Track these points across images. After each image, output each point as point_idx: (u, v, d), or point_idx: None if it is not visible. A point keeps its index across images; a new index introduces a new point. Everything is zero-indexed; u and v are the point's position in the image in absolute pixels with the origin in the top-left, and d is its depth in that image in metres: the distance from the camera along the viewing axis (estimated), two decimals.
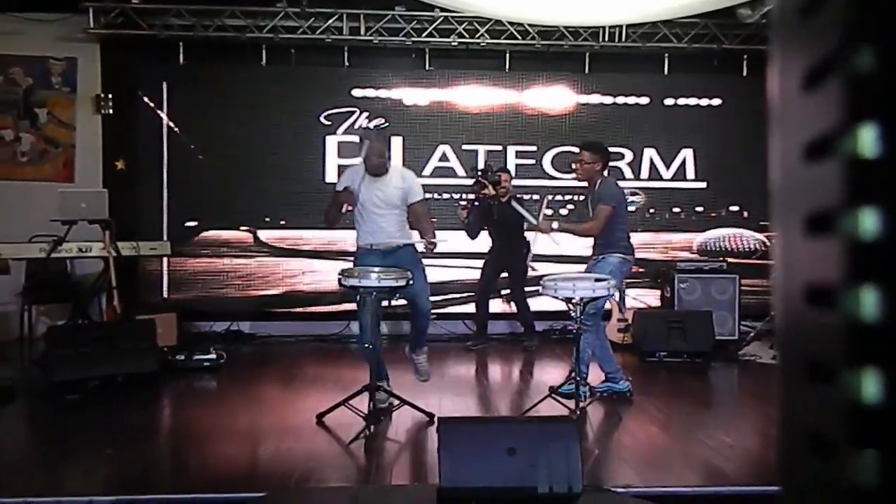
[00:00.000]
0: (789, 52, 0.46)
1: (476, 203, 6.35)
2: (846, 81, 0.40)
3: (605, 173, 5.00)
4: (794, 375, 0.47)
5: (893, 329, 0.40)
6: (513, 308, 7.12)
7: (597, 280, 4.51)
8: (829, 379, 0.43)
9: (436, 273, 7.18)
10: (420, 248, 4.57)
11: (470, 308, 7.25)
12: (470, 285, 7.35)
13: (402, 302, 4.62)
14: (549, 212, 4.79)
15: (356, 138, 4.76)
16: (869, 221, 0.39)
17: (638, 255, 7.60)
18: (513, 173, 6.96)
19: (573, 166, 5.14)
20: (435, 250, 4.56)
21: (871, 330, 0.40)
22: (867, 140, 0.39)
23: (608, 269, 4.79)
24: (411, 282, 4.31)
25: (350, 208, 4.56)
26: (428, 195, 7.29)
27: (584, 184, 5.05)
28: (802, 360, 0.46)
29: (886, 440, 0.40)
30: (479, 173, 6.49)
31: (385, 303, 4.40)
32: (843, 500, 0.42)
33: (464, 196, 7.10)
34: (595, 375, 4.94)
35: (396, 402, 4.50)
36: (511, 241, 6.58)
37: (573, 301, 4.40)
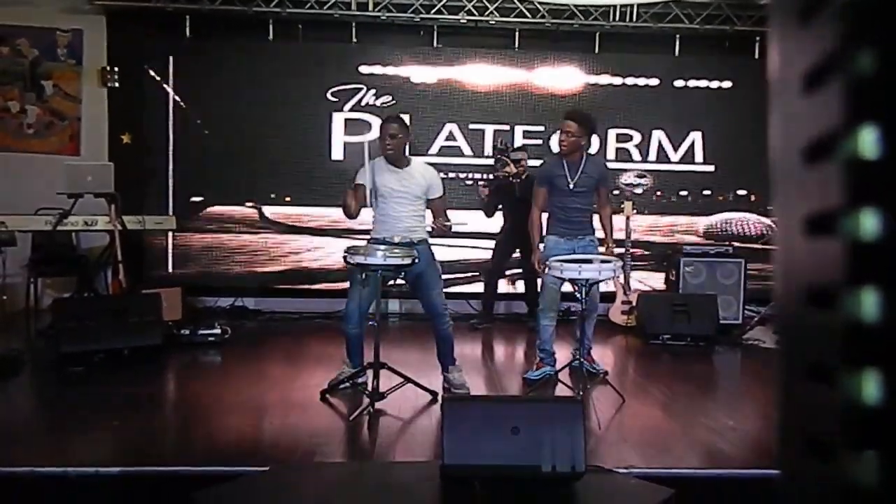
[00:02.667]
0: (789, 54, 0.46)
1: (497, 181, 6.40)
2: (846, 83, 0.39)
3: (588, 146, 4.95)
4: (794, 376, 0.47)
5: (893, 330, 0.40)
6: (517, 288, 7.13)
7: (603, 262, 4.50)
8: (828, 380, 0.43)
9: (440, 252, 7.19)
10: (429, 227, 4.61)
11: (474, 288, 7.28)
12: (474, 265, 7.36)
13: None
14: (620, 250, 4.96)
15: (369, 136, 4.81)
16: (869, 223, 0.39)
17: (644, 237, 7.65)
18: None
19: (559, 137, 4.98)
20: (448, 232, 4.65)
21: (872, 331, 0.40)
22: (868, 141, 0.39)
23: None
24: (417, 260, 4.33)
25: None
26: None
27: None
28: (802, 361, 0.46)
29: (886, 441, 0.41)
30: (501, 151, 6.52)
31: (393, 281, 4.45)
32: (842, 502, 0.42)
33: (484, 176, 7.10)
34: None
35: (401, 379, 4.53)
36: (525, 217, 6.59)
37: (578, 283, 4.39)
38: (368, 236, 4.73)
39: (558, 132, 4.95)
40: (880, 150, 0.39)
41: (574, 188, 4.83)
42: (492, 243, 6.98)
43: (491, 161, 6.93)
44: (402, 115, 4.88)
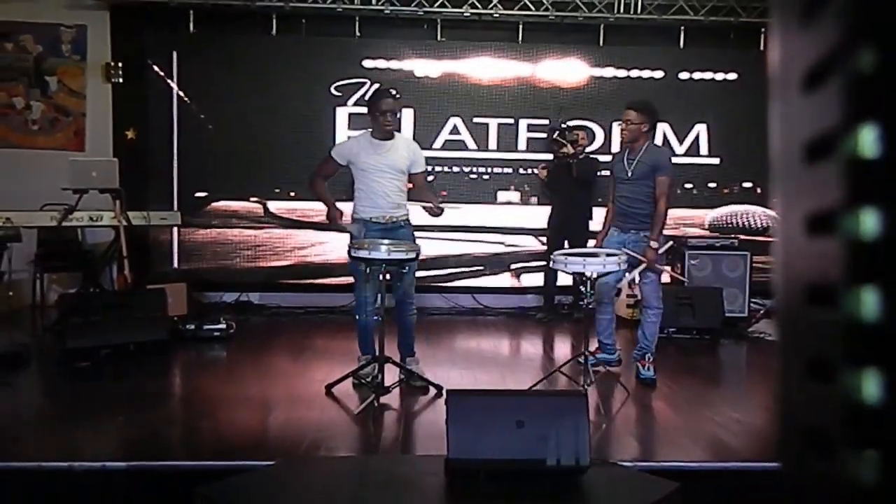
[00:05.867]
0: (790, 52, 0.45)
1: (554, 161, 6.44)
2: (847, 81, 0.39)
3: (652, 137, 4.89)
4: (794, 374, 0.47)
5: (894, 329, 0.40)
6: (521, 282, 7.12)
7: (608, 255, 4.48)
8: (829, 378, 0.43)
9: (441, 246, 7.21)
10: (425, 209, 4.58)
11: (479, 282, 7.29)
12: (480, 259, 7.37)
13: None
14: (655, 245, 4.70)
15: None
16: (869, 222, 0.39)
17: None
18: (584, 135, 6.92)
19: (619, 126, 4.99)
20: (440, 215, 4.59)
21: (872, 330, 0.40)
22: (868, 140, 0.39)
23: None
24: (419, 254, 4.34)
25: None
26: (438, 168, 7.35)
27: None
28: (802, 359, 0.46)
29: (886, 441, 0.40)
30: (557, 132, 6.54)
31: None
32: (842, 500, 0.42)
33: (536, 169, 7.09)
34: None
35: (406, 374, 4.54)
36: (580, 204, 6.54)
37: (584, 277, 4.38)
38: (354, 214, 4.64)
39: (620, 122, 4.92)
40: (880, 149, 0.39)
41: (630, 176, 4.70)
42: (496, 237, 6.98)
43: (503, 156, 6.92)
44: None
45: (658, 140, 7.45)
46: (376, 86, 7.03)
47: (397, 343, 4.70)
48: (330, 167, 4.62)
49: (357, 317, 4.65)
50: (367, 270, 4.33)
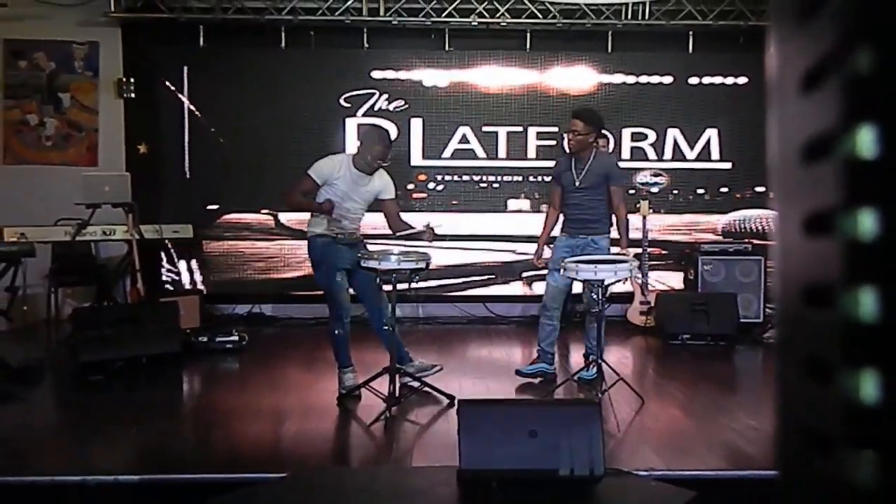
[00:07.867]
0: (788, 53, 0.45)
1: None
2: (845, 82, 0.38)
3: (599, 144, 5.00)
4: (793, 374, 0.46)
5: (891, 329, 0.39)
6: (533, 290, 7.09)
7: (619, 262, 4.47)
8: (827, 378, 0.42)
9: (452, 255, 7.20)
10: (420, 229, 4.65)
11: (488, 291, 7.28)
12: (492, 267, 7.36)
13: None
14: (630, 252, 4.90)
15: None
16: (867, 222, 0.38)
17: (661, 237, 7.59)
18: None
19: (566, 136, 5.06)
20: (435, 232, 4.64)
21: (870, 330, 0.39)
22: (865, 141, 0.38)
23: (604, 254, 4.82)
24: (429, 264, 4.35)
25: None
26: (448, 178, 7.36)
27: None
28: (801, 359, 0.45)
29: (884, 440, 0.40)
30: None
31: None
32: (840, 499, 0.42)
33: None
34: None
35: (418, 383, 4.53)
36: None
37: (594, 284, 4.37)
38: (315, 229, 4.70)
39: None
40: (878, 149, 0.38)
41: (579, 185, 4.85)
42: (507, 245, 6.96)
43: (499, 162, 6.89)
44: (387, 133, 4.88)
45: (669, 147, 7.44)
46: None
47: (391, 358, 4.48)
48: (308, 185, 4.62)
49: (337, 331, 4.67)
50: (378, 281, 4.34)
